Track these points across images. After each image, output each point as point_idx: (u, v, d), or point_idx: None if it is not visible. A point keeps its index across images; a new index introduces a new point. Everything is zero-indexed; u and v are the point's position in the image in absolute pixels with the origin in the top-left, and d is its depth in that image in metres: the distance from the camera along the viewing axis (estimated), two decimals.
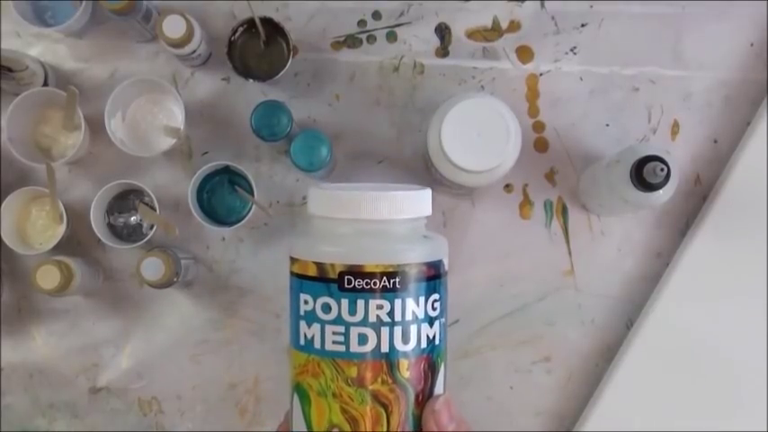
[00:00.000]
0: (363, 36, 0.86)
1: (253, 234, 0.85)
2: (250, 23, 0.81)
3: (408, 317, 0.45)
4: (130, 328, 0.85)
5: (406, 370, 0.45)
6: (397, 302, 0.45)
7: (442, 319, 0.47)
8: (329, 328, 0.45)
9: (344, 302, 0.45)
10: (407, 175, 0.84)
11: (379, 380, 0.45)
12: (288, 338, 0.86)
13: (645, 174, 0.69)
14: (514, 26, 0.85)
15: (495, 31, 0.85)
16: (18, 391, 0.85)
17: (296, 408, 0.47)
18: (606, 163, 0.76)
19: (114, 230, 0.84)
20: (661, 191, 0.70)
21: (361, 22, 0.86)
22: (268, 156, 0.85)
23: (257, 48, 0.82)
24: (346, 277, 0.44)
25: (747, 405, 0.80)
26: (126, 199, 0.84)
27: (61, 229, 0.81)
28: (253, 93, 0.84)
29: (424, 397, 0.46)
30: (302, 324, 0.46)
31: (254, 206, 0.80)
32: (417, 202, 0.48)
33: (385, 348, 0.45)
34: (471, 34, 0.86)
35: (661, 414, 0.80)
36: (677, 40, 0.85)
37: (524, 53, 0.85)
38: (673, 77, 0.85)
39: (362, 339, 0.45)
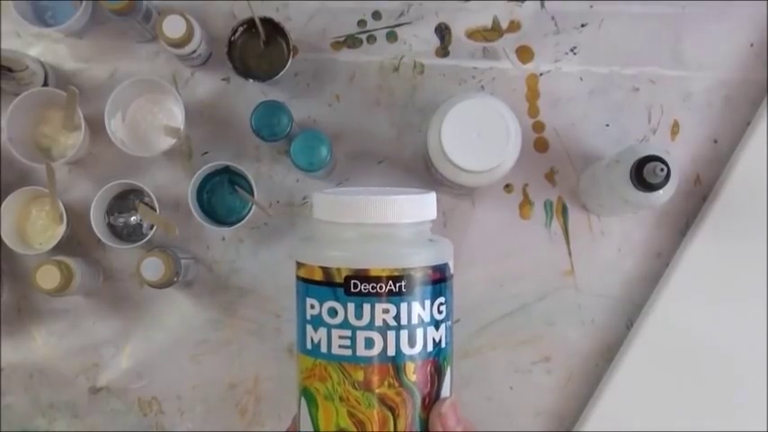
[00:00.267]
0: (363, 36, 0.86)
1: (253, 234, 0.85)
2: (250, 23, 0.81)
3: (414, 320, 0.45)
4: (130, 328, 0.85)
5: (413, 373, 0.45)
6: (403, 306, 0.45)
7: (448, 323, 0.47)
8: (336, 333, 0.45)
9: (351, 306, 0.45)
10: (407, 176, 0.84)
11: (386, 383, 0.45)
12: (288, 338, 0.86)
13: (645, 174, 0.69)
14: (514, 26, 0.85)
15: (495, 31, 0.85)
16: (18, 391, 0.85)
17: (303, 412, 0.47)
18: (606, 163, 0.76)
19: (114, 230, 0.84)
20: (661, 191, 0.70)
21: (361, 22, 0.86)
22: (268, 156, 0.85)
23: (257, 48, 0.82)
24: (352, 281, 0.44)
25: (747, 405, 0.80)
26: (126, 199, 0.84)
27: (61, 229, 0.81)
28: (253, 93, 0.84)
29: (431, 400, 0.46)
30: (309, 328, 0.46)
31: (254, 206, 0.80)
32: (422, 205, 0.48)
33: (391, 352, 0.45)
34: (471, 34, 0.86)
35: (661, 414, 0.80)
36: (677, 40, 0.85)
37: (524, 53, 0.85)
38: (673, 77, 0.85)
39: (369, 343, 0.45)
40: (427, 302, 0.45)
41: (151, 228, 0.82)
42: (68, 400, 0.85)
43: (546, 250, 0.84)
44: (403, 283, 0.44)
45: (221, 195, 0.83)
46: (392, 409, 0.45)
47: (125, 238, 0.84)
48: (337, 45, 0.86)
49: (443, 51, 0.85)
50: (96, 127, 0.82)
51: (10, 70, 0.80)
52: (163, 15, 0.77)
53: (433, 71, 0.85)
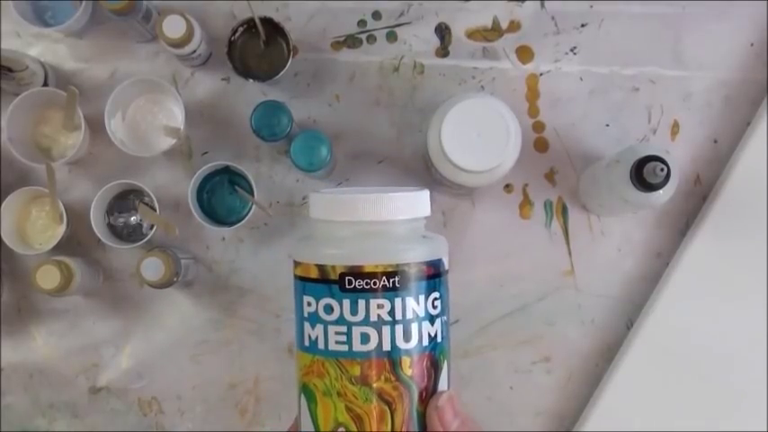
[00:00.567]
0: (363, 36, 0.86)
1: (253, 234, 0.85)
2: (250, 23, 0.81)
3: (409, 315, 0.45)
4: (130, 328, 0.85)
5: (409, 368, 0.46)
6: (398, 301, 0.45)
7: (444, 317, 0.48)
8: (332, 329, 0.45)
9: (346, 303, 0.45)
10: (407, 175, 0.84)
11: (383, 378, 0.45)
12: (288, 338, 0.86)
13: (645, 174, 0.69)
14: (514, 26, 0.85)
15: (495, 31, 0.85)
16: (18, 391, 0.85)
17: (303, 408, 0.47)
18: (606, 163, 0.76)
19: (114, 230, 0.84)
20: (661, 191, 0.70)
21: (361, 22, 0.86)
22: (268, 156, 0.85)
23: (257, 48, 0.82)
24: (347, 278, 0.45)
25: (747, 405, 0.80)
26: (126, 199, 0.84)
27: (61, 229, 0.81)
28: (253, 93, 0.84)
29: (428, 394, 0.46)
30: (306, 325, 0.47)
31: (254, 206, 0.80)
32: (415, 202, 0.48)
33: (387, 347, 0.45)
34: (471, 34, 0.86)
35: (661, 414, 0.80)
36: (677, 40, 0.85)
37: (524, 53, 0.85)
38: (673, 77, 0.85)
39: (365, 338, 0.45)
40: (422, 297, 0.46)
41: (151, 228, 0.82)
42: (68, 400, 0.85)
43: (546, 250, 0.84)
44: (397, 279, 0.45)
45: (221, 195, 0.83)
46: (389, 404, 0.45)
47: (125, 238, 0.84)
48: (337, 45, 0.86)
49: (443, 51, 0.85)
50: (96, 127, 0.82)
51: (10, 70, 0.80)
52: (163, 15, 0.77)
53: (433, 71, 0.85)
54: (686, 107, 0.85)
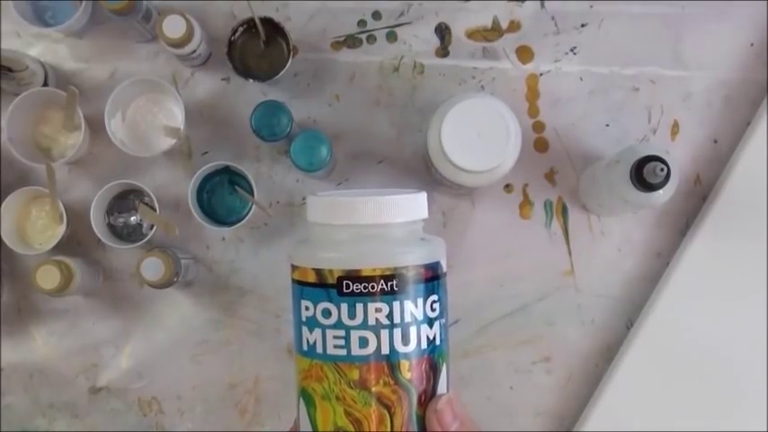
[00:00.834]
0: (363, 36, 0.86)
1: (253, 234, 0.85)
2: (250, 23, 0.81)
3: (407, 318, 0.45)
4: (130, 328, 0.85)
5: (408, 371, 0.46)
6: (396, 305, 0.45)
7: (443, 320, 0.47)
8: (330, 333, 0.45)
9: (344, 307, 0.45)
10: (407, 176, 0.84)
11: (381, 381, 0.45)
12: (288, 338, 0.86)
13: (645, 174, 0.69)
14: (514, 26, 0.85)
15: (495, 31, 0.85)
16: (18, 391, 0.85)
17: (302, 412, 0.47)
18: (606, 163, 0.76)
19: (114, 230, 0.84)
20: (661, 191, 0.70)
21: (361, 22, 0.86)
22: (268, 156, 0.85)
23: (257, 48, 0.82)
24: (344, 282, 0.45)
25: (747, 405, 0.80)
26: (126, 199, 0.84)
27: (61, 229, 0.81)
28: (253, 93, 0.84)
29: (427, 397, 0.46)
30: (304, 330, 0.47)
31: (254, 206, 0.80)
32: (413, 205, 0.48)
33: (385, 350, 0.45)
34: (471, 34, 0.86)
35: (661, 414, 0.80)
36: (677, 40, 0.85)
37: (524, 53, 0.85)
38: (673, 77, 0.85)
39: (363, 342, 0.45)
40: (420, 300, 0.46)
41: (151, 228, 0.82)
42: (68, 400, 0.85)
43: (546, 250, 0.84)
44: (395, 282, 0.45)
45: (221, 195, 0.83)
46: (388, 407, 0.45)
47: (125, 238, 0.84)
48: (337, 45, 0.86)
49: (443, 51, 0.85)
50: (96, 127, 0.82)
51: (10, 70, 0.80)
52: (163, 15, 0.77)
53: (432, 71, 0.85)
54: (686, 107, 0.85)
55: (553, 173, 0.85)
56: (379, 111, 0.85)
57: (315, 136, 0.79)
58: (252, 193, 0.81)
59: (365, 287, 0.45)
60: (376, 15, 0.86)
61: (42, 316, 0.85)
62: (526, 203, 0.85)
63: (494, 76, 0.85)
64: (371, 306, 0.45)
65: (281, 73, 0.80)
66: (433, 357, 0.47)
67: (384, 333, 0.45)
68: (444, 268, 0.48)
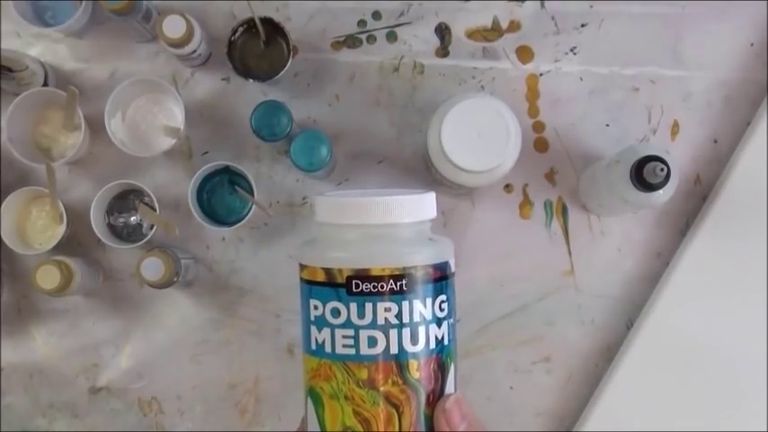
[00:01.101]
0: (363, 36, 0.86)
1: (253, 234, 0.85)
2: (250, 23, 0.81)
3: (416, 318, 0.45)
4: (130, 328, 0.85)
5: (416, 371, 0.46)
6: (405, 304, 0.45)
7: (451, 320, 0.48)
8: (339, 332, 0.45)
9: (353, 306, 0.45)
10: (407, 176, 0.84)
11: (390, 381, 0.45)
12: (288, 338, 0.86)
13: (645, 174, 0.69)
14: (514, 26, 0.85)
15: (495, 31, 0.85)
16: (18, 391, 0.85)
17: (310, 412, 0.47)
18: (606, 163, 0.76)
19: (114, 230, 0.84)
20: (661, 191, 0.70)
21: (361, 22, 0.86)
22: (268, 156, 0.85)
23: (257, 48, 0.82)
24: (354, 281, 0.45)
25: (747, 405, 0.80)
26: (126, 199, 0.84)
27: (61, 229, 0.81)
28: (253, 93, 0.84)
29: (435, 397, 0.47)
30: (313, 329, 0.47)
31: (254, 206, 0.80)
32: (422, 205, 0.48)
33: (394, 350, 0.45)
34: (471, 34, 0.86)
35: (661, 414, 0.80)
36: (677, 40, 0.85)
37: (524, 53, 0.85)
38: (673, 77, 0.85)
39: (372, 342, 0.45)
40: (429, 300, 0.46)
41: (151, 228, 0.82)
42: (68, 400, 0.85)
43: (546, 250, 0.84)
44: (404, 282, 0.45)
45: (221, 195, 0.83)
46: (397, 407, 0.45)
47: (125, 238, 0.84)
48: (337, 45, 0.86)
49: (443, 51, 0.85)
50: (96, 127, 0.82)
51: (10, 70, 0.80)
52: (163, 15, 0.77)
53: (432, 71, 0.85)
54: (686, 107, 0.85)
55: (553, 173, 0.85)
56: (379, 111, 0.85)
57: (315, 136, 0.79)
58: (252, 193, 0.81)
59: (374, 287, 0.45)
60: (376, 15, 0.86)
61: (42, 316, 0.85)
62: (526, 203, 0.85)
63: (494, 76, 0.85)
64: (380, 306, 0.45)
65: (281, 73, 0.80)
66: (442, 357, 0.47)
67: (393, 333, 0.45)
68: (453, 268, 0.48)
